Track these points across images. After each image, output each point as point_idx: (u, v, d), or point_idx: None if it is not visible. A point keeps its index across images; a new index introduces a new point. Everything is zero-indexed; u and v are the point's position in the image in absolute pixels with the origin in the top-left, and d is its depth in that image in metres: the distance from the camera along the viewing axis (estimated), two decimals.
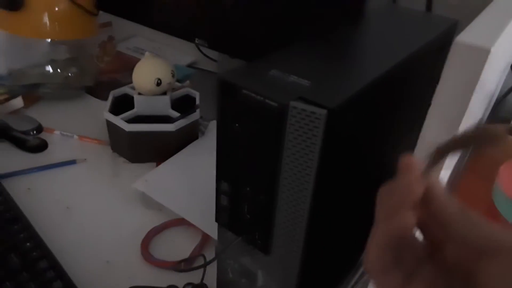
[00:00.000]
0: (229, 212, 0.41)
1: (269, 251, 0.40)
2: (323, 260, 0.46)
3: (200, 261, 0.50)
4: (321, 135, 0.31)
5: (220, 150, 0.38)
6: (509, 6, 0.31)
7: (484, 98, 0.36)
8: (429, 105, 0.27)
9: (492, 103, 0.67)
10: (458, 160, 0.38)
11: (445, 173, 0.31)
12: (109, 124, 0.72)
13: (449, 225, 0.23)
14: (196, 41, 0.87)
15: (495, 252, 0.21)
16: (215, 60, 1.02)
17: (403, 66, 0.40)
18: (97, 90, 0.92)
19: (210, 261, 0.43)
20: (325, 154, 0.32)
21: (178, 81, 0.83)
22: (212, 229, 0.49)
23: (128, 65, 0.75)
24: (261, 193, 0.37)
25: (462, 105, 0.22)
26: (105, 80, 0.94)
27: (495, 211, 0.32)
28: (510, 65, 0.77)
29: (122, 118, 0.70)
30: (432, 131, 0.25)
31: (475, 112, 0.29)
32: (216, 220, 0.43)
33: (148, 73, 0.70)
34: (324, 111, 0.30)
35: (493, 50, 0.20)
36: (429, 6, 0.73)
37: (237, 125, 0.35)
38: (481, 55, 0.20)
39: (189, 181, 0.66)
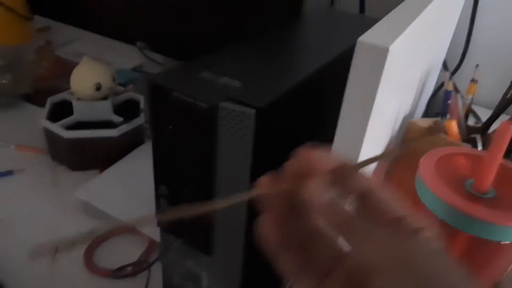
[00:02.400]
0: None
1: (211, 252, 0.40)
2: (266, 260, 0.47)
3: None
4: (252, 134, 0.32)
5: (156, 153, 0.38)
6: (414, 7, 0.34)
7: (402, 95, 0.38)
8: None
9: (422, 100, 0.70)
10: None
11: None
12: (47, 132, 0.69)
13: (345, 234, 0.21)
14: (137, 44, 0.86)
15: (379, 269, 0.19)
16: (160, 64, 1.01)
17: (331, 66, 0.41)
18: (35, 97, 0.88)
19: (151, 264, 0.43)
20: (257, 152, 0.33)
21: (122, 85, 0.81)
22: (157, 234, 0.48)
23: (68, 70, 0.72)
24: (199, 193, 0.37)
25: (368, 104, 0.24)
26: (44, 87, 0.90)
27: (418, 199, 0.35)
28: (442, 63, 0.82)
29: (60, 125, 0.67)
30: (345, 128, 0.26)
31: (386, 108, 0.31)
32: (157, 225, 0.42)
33: (86, 77, 0.68)
34: (252, 111, 0.31)
35: (391, 49, 0.22)
36: (362, 8, 0.77)
37: (170, 127, 0.35)
38: (381, 54, 0.22)
39: (134, 187, 0.65)
